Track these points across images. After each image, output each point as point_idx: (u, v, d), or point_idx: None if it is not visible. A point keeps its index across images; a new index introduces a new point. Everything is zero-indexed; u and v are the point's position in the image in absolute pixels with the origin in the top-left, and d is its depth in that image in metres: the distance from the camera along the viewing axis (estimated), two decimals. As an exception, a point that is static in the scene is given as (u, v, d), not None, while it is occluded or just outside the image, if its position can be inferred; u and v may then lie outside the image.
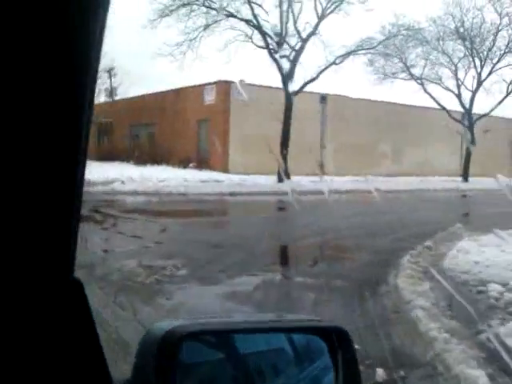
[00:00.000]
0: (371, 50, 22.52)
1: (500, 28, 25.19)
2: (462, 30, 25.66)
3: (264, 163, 25.40)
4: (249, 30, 20.48)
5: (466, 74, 27.95)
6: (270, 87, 26.36)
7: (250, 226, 10.08)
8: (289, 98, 20.26)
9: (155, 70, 36.15)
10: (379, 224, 10.32)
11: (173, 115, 29.17)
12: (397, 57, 25.81)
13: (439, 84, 27.90)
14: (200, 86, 26.86)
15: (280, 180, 21.04)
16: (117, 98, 36.80)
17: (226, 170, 25.29)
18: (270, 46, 20.08)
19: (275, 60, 20.03)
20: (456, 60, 26.80)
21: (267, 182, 21.07)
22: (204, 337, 0.83)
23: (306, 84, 20.51)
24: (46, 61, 0.55)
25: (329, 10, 19.88)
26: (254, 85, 26.17)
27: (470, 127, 28.31)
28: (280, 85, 25.68)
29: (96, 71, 0.60)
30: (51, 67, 0.55)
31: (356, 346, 3.13)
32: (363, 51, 22.19)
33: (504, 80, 28.09)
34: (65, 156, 0.57)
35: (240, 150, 25.60)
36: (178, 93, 29.01)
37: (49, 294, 0.58)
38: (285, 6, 19.65)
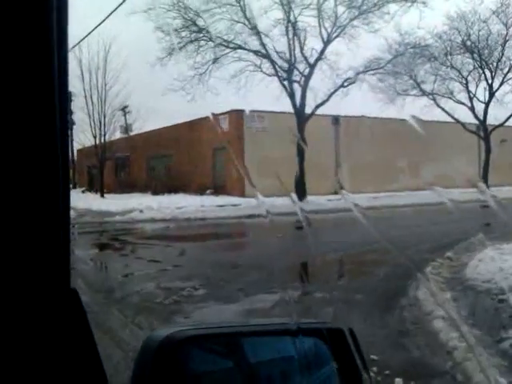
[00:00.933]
0: (380, 70, 22.63)
1: (507, 38, 25.13)
2: (469, 43, 25.63)
3: (280, 185, 25.46)
4: (257, 59, 20.83)
5: (477, 86, 27.84)
6: (283, 113, 26.68)
7: (264, 246, 10.06)
8: (301, 121, 20.42)
9: (168, 105, 36.79)
10: (406, 236, 10.21)
11: (188, 146, 29.61)
12: (406, 74, 25.88)
13: (451, 98, 27.82)
14: (214, 116, 27.23)
15: (299, 200, 21.05)
16: (132, 133, 37.52)
17: (242, 195, 25.39)
18: (279, 74, 20.35)
19: (285, 86, 20.28)
20: (466, 73, 26.74)
21: (284, 202, 21.00)
22: (210, 344, 0.81)
23: (316, 107, 20.70)
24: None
25: (334, 35, 20.14)
26: (266, 111, 26.55)
27: (486, 138, 28.09)
28: (292, 110, 26.08)
29: (65, 75, 0.59)
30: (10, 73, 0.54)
31: (375, 357, 3.09)
32: (372, 72, 22.30)
33: (514, 90, 27.92)
34: (47, 171, 0.58)
35: (256, 175, 25.05)
36: (192, 124, 29.47)
37: (48, 304, 0.61)
38: (291, 34, 19.97)
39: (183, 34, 20.00)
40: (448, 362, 4.01)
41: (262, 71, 20.86)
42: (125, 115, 41.43)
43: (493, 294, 6.13)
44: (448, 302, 5.73)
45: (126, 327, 4.49)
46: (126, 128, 42.26)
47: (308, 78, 20.20)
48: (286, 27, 19.48)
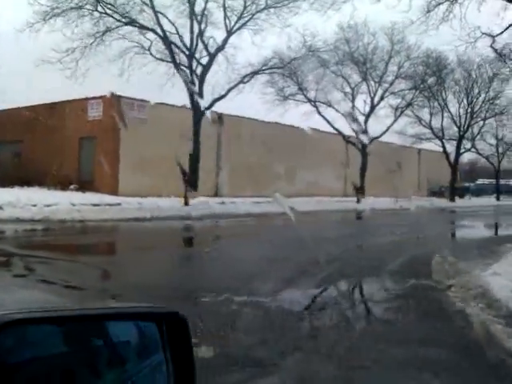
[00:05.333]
0: (277, 70, 21.45)
1: (392, 55, 25.87)
2: (356, 54, 25.91)
3: (158, 185, 23.09)
4: (145, 40, 18.16)
5: (353, 98, 28.38)
6: (169, 105, 24.16)
7: (185, 264, 7.95)
8: (197, 116, 18.29)
9: (38, 81, 31.19)
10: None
11: (47, 132, 25.38)
12: (293, 79, 25.25)
13: (332, 106, 27.94)
14: (83, 99, 23.66)
15: (186, 203, 18.83)
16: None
17: (114, 193, 22.36)
18: (176, 59, 17.96)
19: (181, 74, 17.96)
20: (352, 84, 27.03)
21: (170, 204, 18.69)
22: (34, 330, 0.74)
23: (214, 101, 18.76)
24: None
25: (237, 25, 18.33)
26: (147, 101, 23.79)
27: (363, 150, 28.71)
28: (178, 102, 23.73)
29: None
30: None
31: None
32: (269, 71, 20.98)
33: (390, 105, 29.09)
34: None
35: (132, 171, 22.89)
36: (54, 107, 25.36)
37: None
38: (188, 17, 17.68)
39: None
40: None
41: (151, 54, 18.23)
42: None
43: None
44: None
45: None
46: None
47: (207, 68, 18.15)
48: (191, 8, 17.16)
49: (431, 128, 37.16)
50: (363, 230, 15.43)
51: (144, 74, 18.67)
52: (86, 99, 23.72)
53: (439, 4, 14.96)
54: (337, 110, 27.79)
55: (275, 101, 25.83)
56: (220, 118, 26.65)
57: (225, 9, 17.88)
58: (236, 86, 19.15)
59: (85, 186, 23.14)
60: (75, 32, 17.08)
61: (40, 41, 16.97)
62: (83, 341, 0.79)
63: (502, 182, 55.99)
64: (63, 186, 23.25)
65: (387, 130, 28.70)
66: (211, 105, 18.79)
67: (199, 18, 17.57)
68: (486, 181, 60.08)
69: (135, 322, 0.85)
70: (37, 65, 16.76)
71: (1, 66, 28.62)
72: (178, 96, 22.66)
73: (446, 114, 36.71)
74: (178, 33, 17.66)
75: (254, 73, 20.02)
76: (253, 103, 25.25)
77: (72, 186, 23.20)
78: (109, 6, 16.72)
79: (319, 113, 27.37)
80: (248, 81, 19.73)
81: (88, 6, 16.67)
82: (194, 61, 18.08)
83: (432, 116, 36.69)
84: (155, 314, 0.86)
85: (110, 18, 17.07)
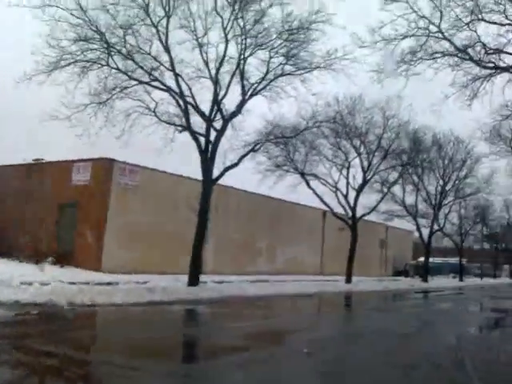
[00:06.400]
0: (281, 139, 20.62)
1: (386, 130, 25.84)
2: (351, 128, 25.67)
3: (150, 260, 20.98)
4: (151, 101, 16.78)
5: (348, 171, 27.91)
6: (160, 171, 22.61)
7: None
8: (208, 185, 16.81)
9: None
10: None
11: (17, 197, 22.90)
12: (283, 148, 24.50)
13: (322, 180, 27.20)
14: (69, 161, 21.59)
15: (191, 283, 16.78)
16: None
17: (97, 268, 19.97)
18: (189, 124, 16.66)
19: (197, 140, 16.62)
20: (349, 158, 26.58)
21: (171, 284, 16.48)
22: None
23: (226, 170, 17.38)
24: None
25: (250, 92, 17.35)
26: (140, 166, 22.08)
27: (354, 226, 27.83)
28: (172, 168, 22.30)
29: None
30: None
31: None
32: (279, 139, 20.09)
33: (376, 181, 28.78)
34: None
35: (119, 244, 20.66)
36: (31, 169, 23.08)
37: None
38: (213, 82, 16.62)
39: (73, 47, 15.09)
40: None
41: (156, 116, 16.77)
42: None
43: None
44: None
45: None
46: None
47: (221, 134, 16.90)
48: (212, 73, 16.08)
49: (405, 205, 37.19)
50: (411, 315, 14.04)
51: (143, 137, 17.05)
52: (73, 161, 21.63)
53: (476, 79, 14.83)
54: (325, 184, 26.96)
55: (267, 171, 24.75)
56: (209, 187, 25.19)
57: (242, 78, 16.93)
58: (248, 153, 17.98)
59: (64, 259, 20.53)
60: (78, 87, 15.43)
61: (44, 94, 15.19)
62: None
63: (452, 260, 56.73)
64: (39, 258, 20.56)
65: (376, 205, 28.29)
66: (222, 173, 17.38)
67: (217, 83, 16.48)
68: (437, 259, 60.58)
69: None
70: (42, 120, 14.79)
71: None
72: (174, 162, 21.28)
73: (420, 192, 37.00)
74: (192, 96, 16.41)
75: (267, 140, 19.00)
76: (246, 173, 23.87)
77: (49, 259, 20.52)
78: (129, 62, 15.30)
79: (308, 185, 26.46)
80: (259, 149, 18.62)
81: (103, 62, 15.18)
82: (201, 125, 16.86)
83: (405, 193, 36.87)
84: None
85: (122, 75, 15.64)
